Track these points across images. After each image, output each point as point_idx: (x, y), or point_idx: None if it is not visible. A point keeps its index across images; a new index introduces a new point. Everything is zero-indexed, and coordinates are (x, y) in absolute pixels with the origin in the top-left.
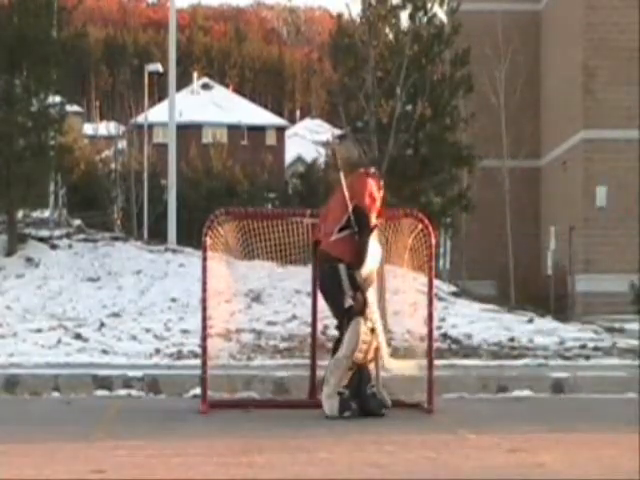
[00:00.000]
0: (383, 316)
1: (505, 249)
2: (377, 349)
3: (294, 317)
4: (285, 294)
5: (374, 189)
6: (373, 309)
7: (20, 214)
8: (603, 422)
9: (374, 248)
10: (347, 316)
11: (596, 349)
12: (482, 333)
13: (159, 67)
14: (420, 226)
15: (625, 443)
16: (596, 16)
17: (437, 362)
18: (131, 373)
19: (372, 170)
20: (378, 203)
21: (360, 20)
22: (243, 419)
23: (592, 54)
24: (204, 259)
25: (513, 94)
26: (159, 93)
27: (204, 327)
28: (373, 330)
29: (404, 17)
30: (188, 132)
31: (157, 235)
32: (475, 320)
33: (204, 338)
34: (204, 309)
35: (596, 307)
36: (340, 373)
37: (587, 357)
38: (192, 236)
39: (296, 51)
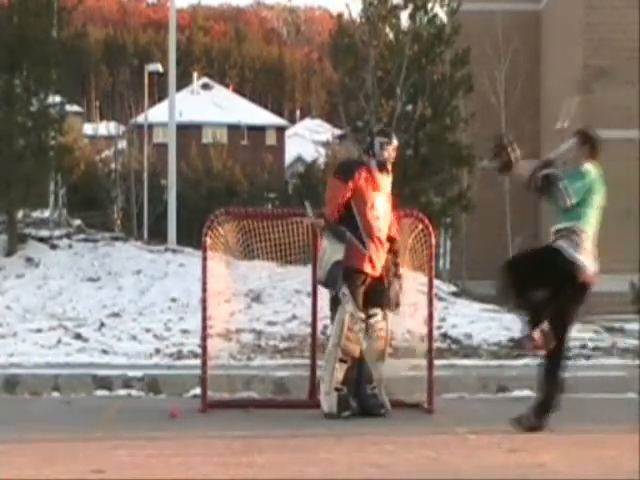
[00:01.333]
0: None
1: (505, 249)
2: (383, 350)
3: (294, 317)
4: (285, 294)
5: (337, 190)
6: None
7: (20, 214)
8: (603, 422)
9: (331, 246)
10: (334, 307)
11: (596, 349)
12: (482, 333)
13: (159, 67)
14: (420, 226)
15: (625, 443)
16: (596, 16)
17: (437, 362)
18: (131, 373)
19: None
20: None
21: (360, 20)
22: (243, 419)
23: (592, 54)
24: (204, 259)
25: (513, 94)
26: (159, 93)
27: (204, 327)
28: (355, 319)
29: (404, 17)
30: (188, 132)
31: (157, 235)
32: (475, 320)
33: (204, 338)
34: (204, 309)
35: (596, 307)
36: (332, 365)
37: (587, 357)
38: (192, 236)
39: (296, 51)
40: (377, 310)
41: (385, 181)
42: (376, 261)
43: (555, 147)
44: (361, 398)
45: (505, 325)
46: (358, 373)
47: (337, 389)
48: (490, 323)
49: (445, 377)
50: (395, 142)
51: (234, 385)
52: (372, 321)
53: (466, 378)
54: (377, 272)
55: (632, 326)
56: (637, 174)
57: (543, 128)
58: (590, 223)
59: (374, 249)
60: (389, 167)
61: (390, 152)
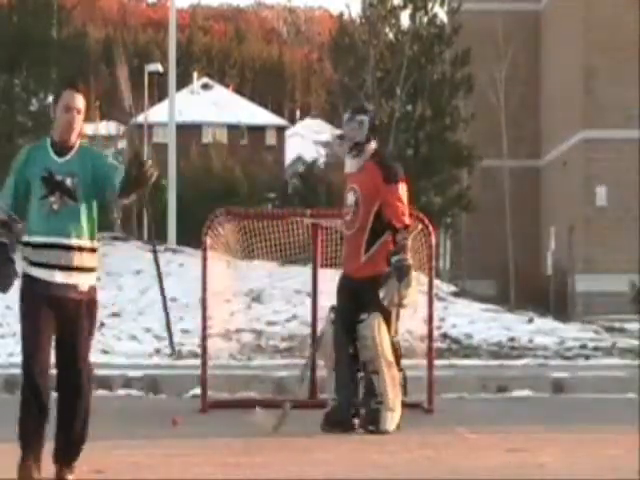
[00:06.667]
0: None
1: (505, 249)
2: (373, 361)
3: (294, 317)
4: (285, 294)
5: None
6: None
7: None
8: (603, 422)
9: None
10: None
11: (596, 349)
12: (482, 333)
13: (159, 67)
14: (420, 226)
15: (625, 443)
16: (596, 16)
17: (437, 362)
18: (131, 373)
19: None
20: None
21: (360, 20)
22: (243, 419)
23: (592, 54)
24: (204, 259)
25: (513, 94)
26: (159, 93)
27: (204, 327)
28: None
29: (405, 17)
30: (188, 132)
31: (157, 235)
32: (475, 320)
33: (204, 338)
34: (204, 309)
35: (596, 307)
36: (328, 377)
37: (587, 357)
38: (192, 236)
39: (296, 51)
40: (364, 316)
41: (354, 164)
42: (348, 259)
43: (555, 147)
44: (364, 411)
45: (505, 325)
46: (364, 387)
47: (333, 399)
48: (490, 323)
49: (445, 377)
50: (357, 117)
51: (234, 385)
52: (359, 328)
53: (466, 378)
54: (353, 273)
55: (632, 326)
56: (637, 174)
57: (543, 128)
58: None
59: (346, 246)
60: (352, 145)
61: (351, 129)
